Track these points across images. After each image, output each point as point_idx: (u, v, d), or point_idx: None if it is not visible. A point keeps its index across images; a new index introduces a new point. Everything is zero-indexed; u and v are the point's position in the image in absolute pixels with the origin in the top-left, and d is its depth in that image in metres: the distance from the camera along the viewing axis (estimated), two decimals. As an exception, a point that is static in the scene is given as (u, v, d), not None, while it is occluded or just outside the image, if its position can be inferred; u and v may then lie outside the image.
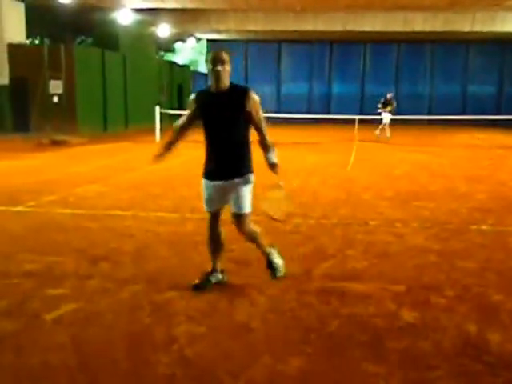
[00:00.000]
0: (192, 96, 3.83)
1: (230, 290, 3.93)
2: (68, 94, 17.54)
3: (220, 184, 3.75)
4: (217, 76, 3.57)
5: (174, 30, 23.94)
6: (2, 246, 5.07)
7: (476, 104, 26.82)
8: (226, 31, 25.12)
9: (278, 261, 4.07)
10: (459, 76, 28.40)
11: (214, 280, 3.99)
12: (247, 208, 3.79)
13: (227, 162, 3.73)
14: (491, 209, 6.93)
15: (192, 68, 31.54)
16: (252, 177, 3.81)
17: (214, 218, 3.92)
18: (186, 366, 2.86)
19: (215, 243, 3.97)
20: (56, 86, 17.39)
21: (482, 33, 22.91)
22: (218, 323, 3.38)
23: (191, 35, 27.38)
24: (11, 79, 17.36)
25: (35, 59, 17.09)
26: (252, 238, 3.94)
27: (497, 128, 21.99)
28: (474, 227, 5.94)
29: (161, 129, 16.82)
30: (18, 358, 2.95)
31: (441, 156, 13.34)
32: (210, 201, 3.85)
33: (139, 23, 21.49)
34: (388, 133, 17.63)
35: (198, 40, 29.35)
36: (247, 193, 3.76)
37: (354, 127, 16.95)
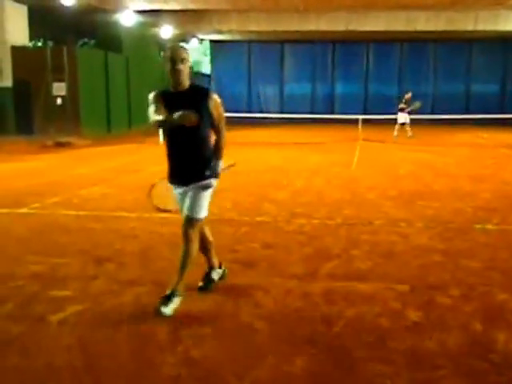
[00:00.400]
0: (151, 94, 3.56)
1: (234, 291, 3.93)
2: (71, 96, 17.57)
3: (183, 189, 3.60)
4: (177, 75, 3.39)
5: (177, 32, 23.97)
6: (7, 248, 5.09)
7: (479, 103, 26.71)
8: (229, 32, 25.12)
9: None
10: (462, 75, 28.31)
11: (216, 276, 3.96)
12: (201, 213, 3.56)
13: (188, 166, 3.56)
14: (496, 208, 6.91)
15: (195, 69, 31.57)
16: (214, 182, 3.63)
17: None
18: (191, 367, 2.86)
19: (202, 243, 3.82)
20: (59, 88, 17.43)
21: (485, 32, 22.83)
22: (223, 324, 3.39)
23: (194, 36, 27.39)
24: (14, 81, 17.40)
25: (38, 61, 17.13)
26: (189, 252, 3.52)
27: (500, 127, 21.92)
28: (479, 226, 5.92)
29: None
30: (24, 359, 2.96)
31: (445, 155, 13.31)
32: (179, 206, 3.68)
33: (142, 25, 21.52)
34: (410, 132, 17.49)
35: (201, 41, 29.37)
36: (205, 197, 3.56)
37: (358, 127, 16.92)
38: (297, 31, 23.82)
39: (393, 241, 5.32)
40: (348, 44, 28.31)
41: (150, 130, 18.61)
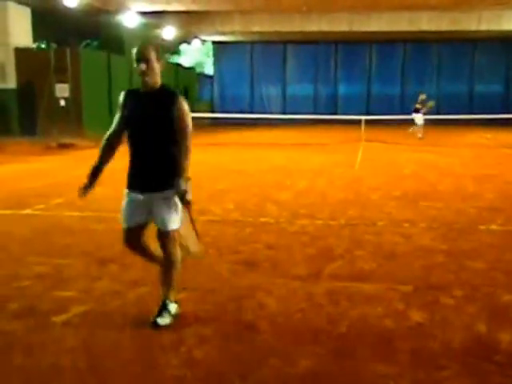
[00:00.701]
0: (121, 94, 3.39)
1: (238, 292, 3.92)
2: (74, 98, 17.61)
3: (143, 196, 3.29)
4: (141, 76, 3.20)
5: (179, 33, 24.01)
6: (11, 249, 5.10)
7: (483, 103, 26.62)
8: (231, 33, 25.14)
9: (172, 309, 3.40)
10: (466, 75, 28.24)
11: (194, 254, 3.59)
12: (174, 224, 3.31)
13: (152, 172, 3.28)
14: (500, 208, 6.89)
15: (198, 70, 31.61)
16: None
17: (133, 235, 3.38)
18: (195, 368, 2.86)
19: (152, 259, 3.53)
20: (62, 90, 17.48)
21: (488, 32, 22.78)
22: (226, 324, 3.38)
23: (196, 37, 27.43)
24: (18, 83, 17.47)
25: (42, 63, 17.18)
26: (171, 261, 3.37)
27: (504, 127, 21.85)
28: (483, 227, 5.90)
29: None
30: (28, 359, 2.96)
31: (448, 155, 13.27)
32: (128, 214, 3.34)
33: (144, 26, 21.57)
34: (420, 133, 17.51)
35: (204, 42, 29.40)
36: (175, 207, 3.30)
37: (361, 127, 16.90)
38: (299, 32, 23.82)
39: (396, 241, 5.31)
40: (351, 44, 28.28)
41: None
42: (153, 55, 3.22)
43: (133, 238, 3.39)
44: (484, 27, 22.02)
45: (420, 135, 17.47)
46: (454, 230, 5.76)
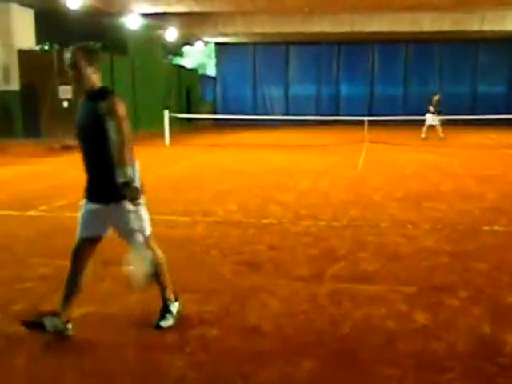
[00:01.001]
0: None
1: (241, 293, 3.92)
2: (78, 99, 17.64)
3: (97, 207, 3.18)
4: (73, 82, 3.10)
5: (182, 34, 24.05)
6: (14, 250, 5.11)
7: (486, 104, 26.54)
8: (234, 34, 25.16)
9: (173, 309, 3.38)
10: (469, 76, 28.17)
11: (49, 324, 3.11)
12: (138, 236, 3.17)
13: (100, 183, 3.15)
14: (503, 209, 6.87)
15: (200, 71, 31.64)
16: (139, 200, 3.12)
17: (84, 246, 3.23)
18: (198, 369, 2.86)
19: (73, 279, 3.24)
20: (66, 91, 17.51)
21: (491, 32, 22.73)
22: (229, 326, 3.38)
23: (199, 39, 27.46)
24: (22, 85, 17.51)
25: (45, 65, 17.22)
26: (152, 262, 3.22)
27: (507, 127, 21.79)
28: (487, 228, 5.88)
29: (170, 132, 16.91)
30: (32, 360, 2.97)
31: (451, 156, 13.25)
32: (84, 224, 3.23)
33: (147, 28, 21.61)
34: (441, 133, 17.56)
35: (206, 43, 29.44)
36: (134, 218, 3.14)
37: (363, 128, 16.89)
38: (301, 33, 23.82)
39: (399, 242, 5.30)
40: (353, 45, 28.26)
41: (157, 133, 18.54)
42: (82, 60, 3.05)
43: (84, 250, 3.23)
44: (487, 28, 21.96)
45: (442, 135, 17.41)
46: (458, 231, 5.74)
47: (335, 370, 2.86)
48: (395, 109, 25.65)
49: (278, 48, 28.73)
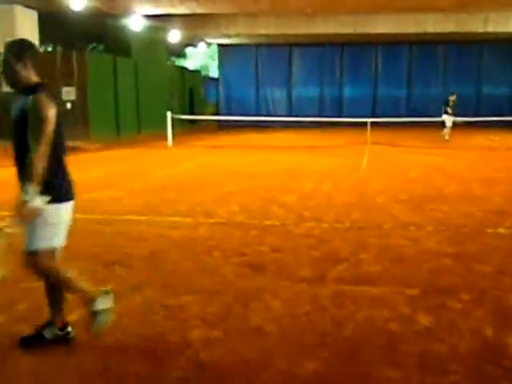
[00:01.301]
0: None
1: (244, 294, 3.92)
2: (81, 101, 17.70)
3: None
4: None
5: (185, 35, 24.09)
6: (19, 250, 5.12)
7: (490, 105, 26.49)
8: (237, 35, 25.18)
9: (98, 307, 3.11)
10: (473, 77, 28.11)
11: (48, 335, 3.12)
12: (34, 244, 2.96)
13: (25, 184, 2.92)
14: (507, 211, 6.84)
15: (203, 73, 31.69)
16: (43, 204, 2.87)
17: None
18: (201, 370, 2.86)
19: (52, 289, 3.17)
20: (69, 93, 17.58)
21: (495, 33, 22.68)
22: (232, 327, 3.38)
23: (202, 40, 27.51)
24: (25, 86, 17.61)
25: (48, 66, 17.28)
26: (55, 280, 3.08)
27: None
28: (490, 230, 5.86)
29: (173, 134, 16.93)
30: (36, 361, 2.97)
31: (455, 158, 13.22)
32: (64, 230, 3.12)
33: (150, 29, 21.67)
34: (447, 135, 17.34)
35: (209, 45, 29.48)
36: (38, 224, 2.92)
37: (367, 130, 16.88)
38: (305, 34, 23.83)
39: (402, 244, 5.29)
40: (356, 47, 28.24)
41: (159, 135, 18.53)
42: (11, 55, 2.92)
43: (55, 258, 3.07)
44: (491, 29, 21.91)
45: (447, 137, 17.23)
46: (461, 233, 5.73)
47: (338, 372, 2.85)
48: (399, 110, 25.64)
49: (281, 49, 28.74)
